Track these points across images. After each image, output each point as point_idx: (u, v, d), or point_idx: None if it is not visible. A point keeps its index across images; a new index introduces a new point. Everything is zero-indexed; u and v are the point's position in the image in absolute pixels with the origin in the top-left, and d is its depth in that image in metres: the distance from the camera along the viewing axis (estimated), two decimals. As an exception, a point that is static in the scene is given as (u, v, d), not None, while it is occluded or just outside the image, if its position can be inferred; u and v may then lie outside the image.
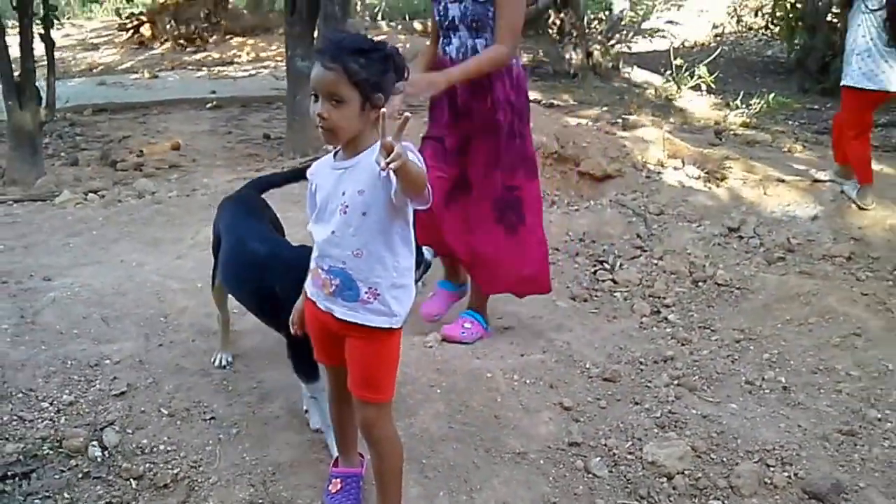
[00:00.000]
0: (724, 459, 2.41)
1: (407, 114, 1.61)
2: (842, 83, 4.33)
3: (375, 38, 1.88)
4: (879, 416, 2.67)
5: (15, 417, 2.44)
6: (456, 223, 2.97)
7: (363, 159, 1.75)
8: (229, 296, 2.66)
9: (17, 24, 5.56)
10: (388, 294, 1.81)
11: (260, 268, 2.29)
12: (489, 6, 2.76)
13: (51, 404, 2.51)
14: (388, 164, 1.53)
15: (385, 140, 1.54)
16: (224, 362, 2.77)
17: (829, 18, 9.21)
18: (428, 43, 3.07)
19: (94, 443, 2.33)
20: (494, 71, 2.82)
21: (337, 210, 1.79)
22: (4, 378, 2.59)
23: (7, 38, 5.28)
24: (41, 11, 5.50)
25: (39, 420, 2.43)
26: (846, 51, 4.27)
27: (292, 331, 2.05)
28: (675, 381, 2.86)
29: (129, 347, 2.83)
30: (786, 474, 2.34)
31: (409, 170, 1.60)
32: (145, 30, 11.76)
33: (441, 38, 2.92)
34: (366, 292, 1.81)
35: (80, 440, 2.32)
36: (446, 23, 2.84)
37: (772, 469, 2.36)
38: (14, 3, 5.31)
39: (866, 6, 4.15)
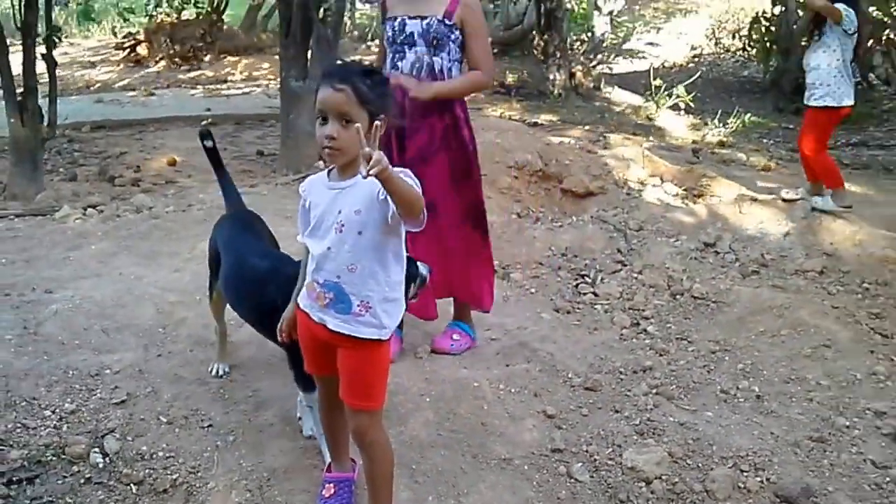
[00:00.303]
0: (700, 465, 2.47)
1: (377, 122, 1.68)
2: (817, 104, 4.47)
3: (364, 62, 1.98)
4: (847, 423, 2.75)
5: (19, 425, 2.49)
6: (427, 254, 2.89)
7: (361, 180, 1.79)
8: (226, 308, 2.71)
9: (17, 42, 5.61)
10: (379, 307, 1.88)
11: (261, 283, 2.33)
12: (454, 29, 2.80)
13: (53, 412, 2.56)
14: (369, 171, 1.58)
15: (364, 150, 1.59)
16: (221, 372, 2.83)
17: (803, 42, 9.43)
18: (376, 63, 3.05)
19: (96, 449, 2.38)
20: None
21: (333, 227, 1.86)
22: (8, 387, 2.64)
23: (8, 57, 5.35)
24: (44, 31, 5.57)
25: (42, 427, 2.48)
26: (819, 73, 4.42)
27: (280, 338, 2.12)
28: (654, 390, 2.93)
29: (129, 357, 2.89)
30: (758, 479, 2.40)
31: (396, 183, 1.65)
32: (141, 48, 11.74)
33: (391, 54, 2.89)
34: (358, 305, 1.87)
35: (82, 447, 2.37)
36: (401, 37, 2.84)
37: (745, 474, 2.42)
38: (18, 24, 5.39)
39: (844, 30, 4.33)
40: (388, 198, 1.71)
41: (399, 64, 2.84)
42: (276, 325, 2.17)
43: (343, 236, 1.85)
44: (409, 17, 2.82)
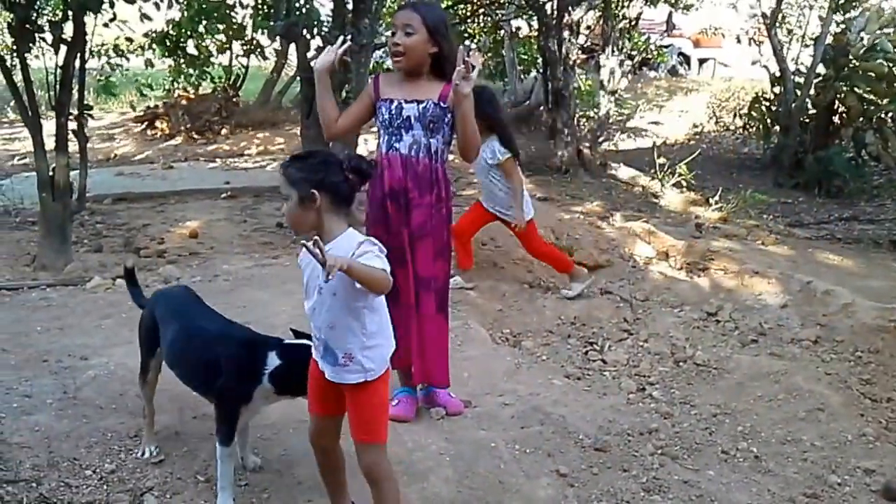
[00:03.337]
0: (703, 521, 2.59)
1: (316, 237, 1.86)
2: (505, 217, 4.67)
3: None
4: (839, 480, 2.90)
5: (62, 484, 2.59)
6: (406, 329, 2.97)
7: (334, 248, 2.00)
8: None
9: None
10: (360, 355, 2.11)
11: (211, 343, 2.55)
12: (448, 111, 2.91)
13: (94, 472, 2.66)
14: (328, 277, 1.84)
15: (320, 258, 1.82)
16: (151, 452, 2.78)
17: (802, 119, 9.75)
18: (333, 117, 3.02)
19: (136, 507, 2.47)
20: (440, 166, 2.99)
21: (315, 289, 2.10)
22: (51, 448, 2.76)
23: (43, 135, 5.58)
24: (76, 109, 5.83)
25: (85, 486, 2.59)
26: (518, 192, 4.63)
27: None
28: (659, 451, 3.04)
29: (165, 420, 2.97)
30: (757, 533, 2.50)
31: (358, 274, 1.90)
32: (160, 122, 11.99)
33: (387, 136, 2.98)
34: (342, 357, 2.11)
35: (123, 504, 2.47)
36: (398, 121, 2.93)
37: (745, 529, 2.53)
38: (52, 104, 5.68)
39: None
40: None
41: (397, 145, 2.96)
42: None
43: (322, 298, 2.09)
44: (406, 101, 2.92)
